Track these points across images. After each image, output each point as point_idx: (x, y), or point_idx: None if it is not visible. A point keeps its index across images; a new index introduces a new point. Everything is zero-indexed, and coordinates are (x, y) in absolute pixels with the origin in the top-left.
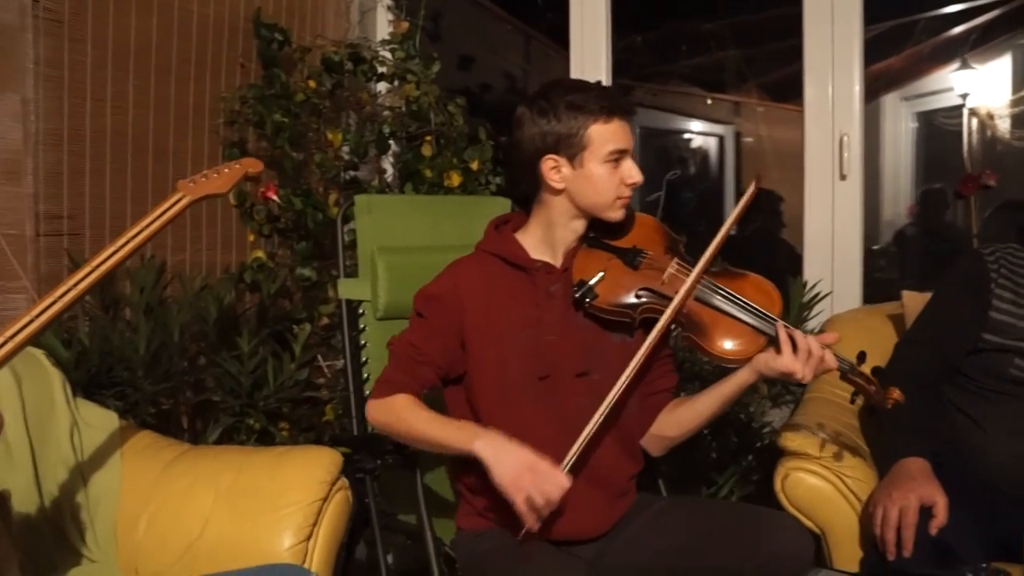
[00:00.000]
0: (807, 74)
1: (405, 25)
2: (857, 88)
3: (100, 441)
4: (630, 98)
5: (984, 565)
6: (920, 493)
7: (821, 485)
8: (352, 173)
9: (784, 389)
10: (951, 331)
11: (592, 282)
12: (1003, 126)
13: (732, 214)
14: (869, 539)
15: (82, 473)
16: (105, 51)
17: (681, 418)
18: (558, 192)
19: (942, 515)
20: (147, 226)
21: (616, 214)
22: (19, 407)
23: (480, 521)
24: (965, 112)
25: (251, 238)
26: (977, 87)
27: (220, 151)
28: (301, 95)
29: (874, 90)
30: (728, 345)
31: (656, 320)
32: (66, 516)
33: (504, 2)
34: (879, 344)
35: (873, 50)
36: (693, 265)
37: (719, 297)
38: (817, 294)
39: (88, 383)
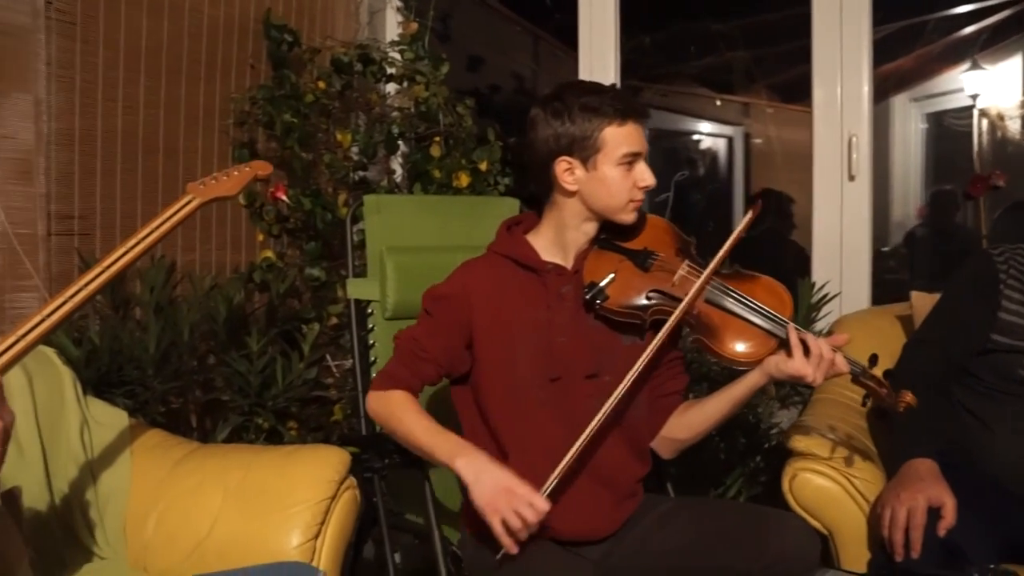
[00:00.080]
0: (816, 75)
1: (414, 26)
2: (866, 89)
3: (110, 439)
4: (639, 99)
5: (992, 566)
6: (928, 494)
7: (829, 486)
8: (361, 173)
9: (792, 390)
10: (960, 332)
11: (603, 284)
12: (1013, 127)
13: (735, 232)
14: (877, 540)
15: (92, 471)
16: (117, 52)
17: (691, 420)
18: (571, 194)
19: (950, 516)
20: (157, 228)
21: (628, 217)
22: (30, 405)
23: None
24: (975, 113)
25: (260, 238)
26: (987, 88)
27: (230, 151)
28: (311, 96)
29: (883, 91)
30: (739, 347)
31: (666, 322)
32: (76, 513)
33: (513, 3)
34: (888, 345)
35: (882, 51)
36: (704, 267)
37: (730, 299)
38: (825, 295)
39: (98, 382)
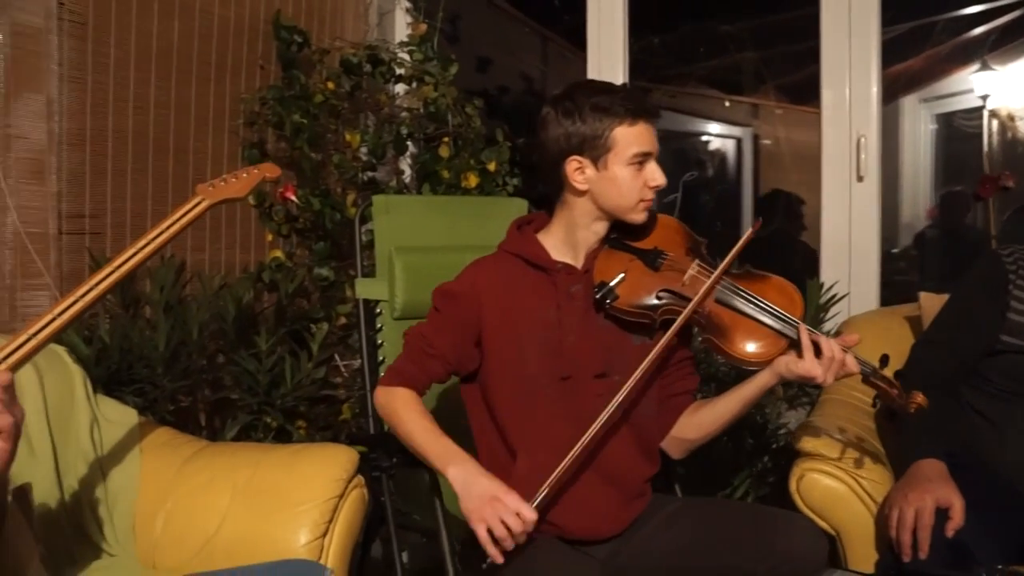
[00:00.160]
0: (824, 76)
1: (423, 27)
2: (874, 90)
3: (119, 437)
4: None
5: (1000, 567)
6: (936, 495)
7: (836, 486)
8: (370, 174)
9: (800, 391)
10: (968, 332)
11: (613, 283)
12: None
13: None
14: (884, 540)
15: (102, 468)
16: (127, 53)
17: (701, 420)
18: (581, 193)
19: (958, 517)
20: (166, 228)
21: (639, 216)
22: (41, 402)
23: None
24: (985, 114)
25: (269, 238)
26: (997, 88)
27: (239, 152)
28: (320, 96)
29: (893, 92)
30: (749, 348)
31: (675, 322)
32: (85, 510)
33: (521, 4)
34: (896, 346)
35: (892, 52)
36: (714, 267)
37: (740, 299)
38: (834, 295)
39: (108, 380)
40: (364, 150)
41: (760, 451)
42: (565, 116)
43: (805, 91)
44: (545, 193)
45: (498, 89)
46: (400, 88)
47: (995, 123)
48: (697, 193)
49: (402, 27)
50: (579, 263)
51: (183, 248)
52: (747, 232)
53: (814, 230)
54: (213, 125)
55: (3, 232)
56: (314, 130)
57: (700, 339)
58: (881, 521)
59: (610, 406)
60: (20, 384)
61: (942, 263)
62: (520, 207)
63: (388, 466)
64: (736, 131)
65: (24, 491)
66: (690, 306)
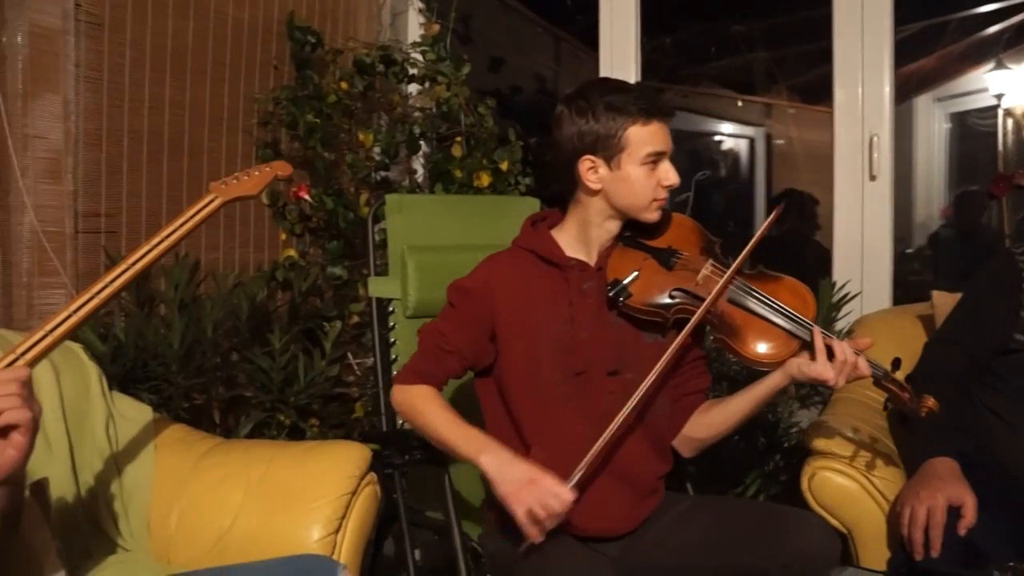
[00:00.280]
0: (837, 75)
1: (436, 27)
2: (887, 89)
3: (134, 433)
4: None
5: (1012, 564)
6: (948, 493)
7: (848, 485)
8: (383, 173)
9: (813, 390)
10: (981, 331)
11: (626, 281)
12: None
13: (758, 233)
14: (896, 539)
15: (117, 464)
16: (143, 53)
17: (713, 420)
18: (595, 193)
19: (971, 515)
20: (180, 226)
21: (652, 215)
22: (57, 399)
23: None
24: (1000, 112)
25: (283, 237)
26: (1012, 87)
27: (253, 151)
28: (333, 96)
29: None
30: (761, 348)
31: (689, 321)
32: (101, 506)
33: (534, 4)
34: (909, 345)
35: (905, 51)
36: (728, 267)
37: (753, 299)
38: (846, 294)
39: (123, 377)
40: (377, 150)
41: (772, 450)
42: (579, 115)
43: (818, 91)
44: (558, 192)
45: (510, 89)
46: (413, 88)
47: (1010, 122)
48: (709, 193)
49: (415, 27)
50: (592, 260)
51: (197, 247)
52: (770, 216)
53: (827, 229)
54: (227, 125)
55: (20, 231)
56: (327, 130)
57: (712, 339)
58: (893, 519)
59: (629, 403)
60: (37, 380)
61: (957, 263)
62: (532, 206)
63: (400, 463)
64: (749, 131)
65: (41, 486)
66: (704, 306)
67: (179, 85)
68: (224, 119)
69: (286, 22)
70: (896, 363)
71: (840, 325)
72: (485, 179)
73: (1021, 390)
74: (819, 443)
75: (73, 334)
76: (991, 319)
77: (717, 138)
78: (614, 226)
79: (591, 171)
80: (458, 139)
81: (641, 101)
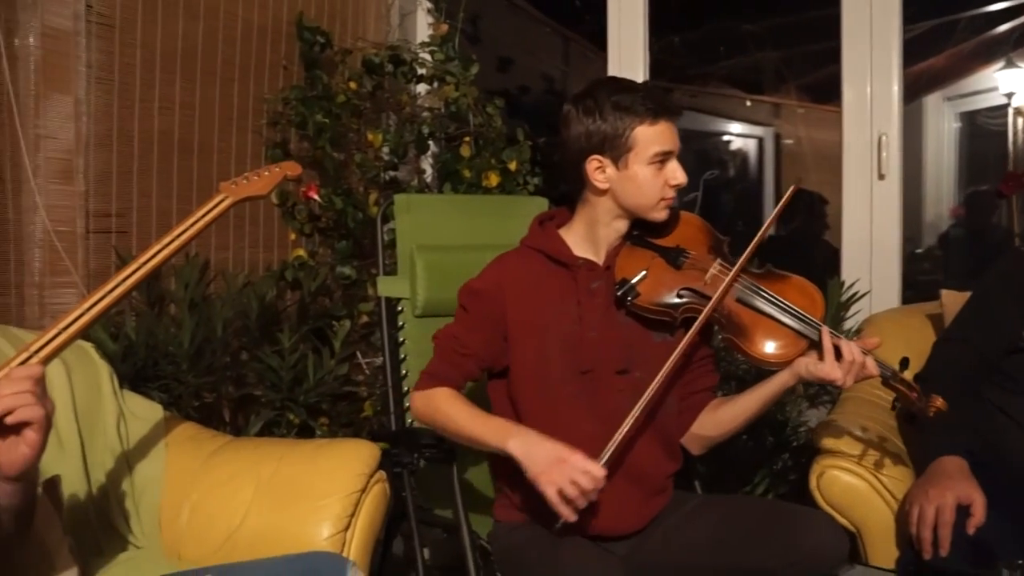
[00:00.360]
0: (845, 75)
1: (444, 27)
2: (896, 88)
3: (145, 432)
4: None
5: (1021, 562)
6: (957, 492)
7: (856, 483)
8: (392, 173)
9: (822, 390)
10: (990, 330)
11: (634, 280)
12: None
13: (770, 217)
14: (905, 537)
15: (128, 462)
16: (153, 55)
17: (721, 418)
18: (602, 192)
19: (980, 514)
20: (191, 226)
21: (660, 215)
22: (69, 397)
23: (518, 514)
24: (1010, 112)
25: (292, 237)
26: (1022, 86)
27: (263, 151)
28: (342, 96)
29: (915, 90)
30: (769, 348)
31: (697, 320)
32: (112, 503)
33: (542, 4)
34: (918, 344)
35: (914, 50)
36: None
37: (761, 299)
38: (855, 294)
39: (134, 376)
40: (386, 150)
41: (780, 449)
42: (586, 114)
43: (826, 90)
44: (566, 192)
45: (519, 89)
46: (422, 88)
47: (1020, 121)
48: (718, 193)
49: (423, 27)
50: (600, 259)
51: (207, 247)
52: (786, 193)
53: (835, 229)
54: (237, 125)
55: (32, 231)
56: (336, 130)
57: (720, 338)
58: (902, 518)
59: (641, 402)
60: (49, 379)
61: (967, 263)
62: (541, 206)
63: (409, 462)
64: (757, 131)
65: (54, 483)
66: (711, 303)
67: (189, 86)
68: (234, 119)
69: (295, 23)
70: (904, 363)
71: (849, 324)
72: (494, 179)
73: None
74: (827, 442)
75: (85, 333)
76: (1000, 318)
77: (726, 138)
78: (622, 225)
79: (599, 171)
80: (467, 139)
81: (648, 101)
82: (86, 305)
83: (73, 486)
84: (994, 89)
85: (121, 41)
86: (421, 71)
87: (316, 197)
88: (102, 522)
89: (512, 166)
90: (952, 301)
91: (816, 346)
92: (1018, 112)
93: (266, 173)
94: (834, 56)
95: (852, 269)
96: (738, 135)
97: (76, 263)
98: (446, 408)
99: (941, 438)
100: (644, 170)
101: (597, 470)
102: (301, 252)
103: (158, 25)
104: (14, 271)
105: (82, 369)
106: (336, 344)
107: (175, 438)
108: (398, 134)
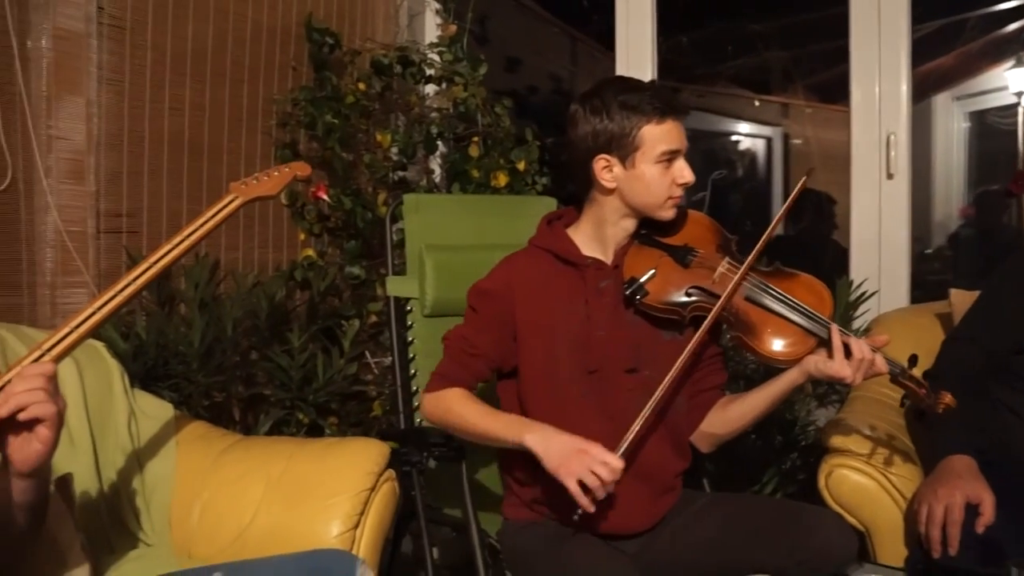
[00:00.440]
0: (853, 74)
1: (453, 28)
2: (904, 87)
3: (156, 430)
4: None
5: None
6: (966, 491)
7: (865, 482)
8: (401, 173)
9: (831, 389)
10: (999, 329)
11: (643, 279)
12: None
13: (781, 210)
14: (914, 536)
15: (139, 460)
16: (164, 56)
17: (730, 416)
18: (610, 191)
19: (989, 513)
20: (201, 225)
21: (667, 213)
22: (80, 395)
23: (527, 512)
24: (1020, 111)
25: (302, 237)
26: None
27: (272, 152)
28: (351, 97)
29: (924, 90)
30: (777, 346)
31: (706, 318)
32: (123, 501)
33: (550, 5)
34: (926, 343)
35: (923, 49)
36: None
37: (770, 297)
38: (864, 293)
39: (145, 375)
40: (395, 150)
41: (789, 448)
42: (593, 113)
43: (835, 90)
44: (574, 192)
45: (527, 89)
46: (430, 88)
47: None
48: (726, 193)
49: (432, 28)
50: (609, 258)
51: (217, 247)
52: (799, 184)
53: (844, 228)
54: (246, 126)
55: (44, 231)
56: (345, 130)
57: (729, 337)
58: (911, 517)
59: (654, 398)
60: (61, 377)
61: (976, 263)
62: (549, 206)
63: (418, 460)
64: (766, 130)
65: (66, 481)
66: (720, 302)
67: (199, 87)
68: (243, 120)
69: (304, 24)
70: (913, 359)
71: (857, 324)
72: (502, 179)
73: None
74: (836, 441)
75: (96, 332)
76: (1010, 317)
77: (734, 138)
78: (630, 224)
79: (606, 170)
80: (475, 139)
81: (655, 100)
82: (97, 304)
83: (85, 484)
84: (1003, 88)
85: (132, 43)
86: (430, 72)
87: (325, 197)
88: (113, 520)
89: (520, 166)
90: (961, 300)
91: (825, 344)
92: None
93: (276, 173)
94: (842, 55)
95: (861, 269)
96: (746, 135)
97: (87, 263)
98: (458, 408)
99: (950, 437)
100: (651, 169)
101: (616, 461)
102: (310, 252)
103: (168, 27)
104: (26, 271)
105: (93, 368)
106: (345, 344)
107: (185, 437)
108: (407, 134)
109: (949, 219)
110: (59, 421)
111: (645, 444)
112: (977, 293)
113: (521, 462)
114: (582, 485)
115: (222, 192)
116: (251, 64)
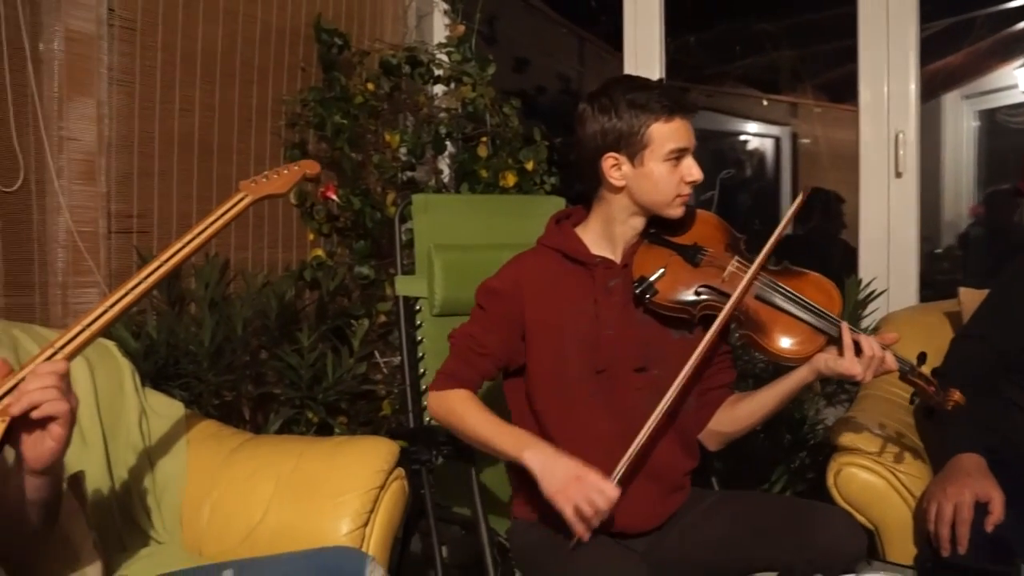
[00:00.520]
0: (862, 73)
1: (461, 28)
2: (913, 86)
3: (167, 429)
4: None
5: None
6: (975, 489)
7: (874, 481)
8: (409, 173)
9: (839, 387)
10: (1008, 327)
11: (652, 278)
12: None
13: (783, 220)
14: (923, 535)
15: (150, 459)
16: (174, 57)
17: (739, 414)
18: (618, 190)
19: (998, 511)
20: (211, 224)
21: (676, 211)
22: (92, 394)
23: (536, 511)
24: None
25: (311, 237)
26: None
27: (282, 152)
28: (360, 97)
29: (932, 89)
30: (787, 344)
31: (715, 317)
32: (135, 499)
33: (558, 5)
34: (935, 342)
35: (931, 48)
36: (753, 263)
37: (779, 295)
38: (872, 291)
39: (155, 374)
40: (403, 150)
41: (798, 446)
42: (601, 112)
43: (844, 89)
44: (583, 191)
45: (535, 89)
46: (439, 89)
47: None
48: (735, 192)
49: (440, 29)
50: (617, 257)
51: (227, 247)
52: (797, 200)
53: (852, 227)
54: (256, 127)
55: (56, 231)
56: (354, 131)
57: (738, 335)
58: (920, 515)
59: (664, 400)
60: (73, 376)
61: (986, 263)
62: (557, 205)
63: (427, 459)
64: (774, 130)
65: (78, 479)
66: (731, 302)
67: (209, 88)
68: (253, 121)
69: (313, 25)
70: (922, 357)
71: (866, 323)
72: (511, 179)
73: None
74: (845, 439)
75: (107, 331)
76: (1019, 315)
77: (742, 137)
78: (638, 223)
79: (614, 168)
80: (484, 139)
81: (663, 98)
82: (108, 303)
83: (96, 482)
84: (1013, 87)
85: (142, 44)
86: (438, 72)
87: (334, 197)
88: (125, 517)
89: (529, 166)
90: (970, 299)
91: (834, 342)
92: None
93: (285, 172)
94: (851, 55)
95: (869, 267)
96: (755, 135)
97: (98, 263)
98: (460, 410)
99: (959, 435)
100: (660, 167)
101: (612, 490)
102: (320, 252)
103: (178, 28)
104: (38, 271)
105: (105, 367)
106: (355, 343)
107: (196, 435)
108: (415, 135)
109: (958, 218)
110: (72, 419)
111: (655, 443)
112: (986, 292)
113: (526, 470)
114: (579, 512)
115: (232, 193)
116: (260, 65)
